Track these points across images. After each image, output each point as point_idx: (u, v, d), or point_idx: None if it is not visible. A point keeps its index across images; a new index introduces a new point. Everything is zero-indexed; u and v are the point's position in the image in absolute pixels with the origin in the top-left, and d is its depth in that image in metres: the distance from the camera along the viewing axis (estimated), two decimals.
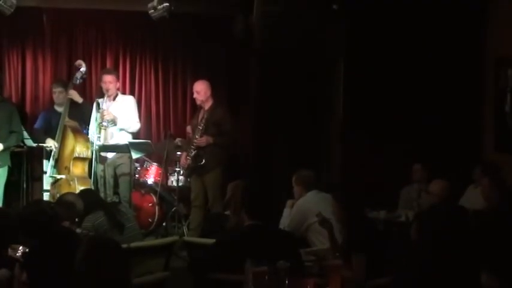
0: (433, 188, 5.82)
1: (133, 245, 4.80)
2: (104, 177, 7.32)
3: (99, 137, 7.20)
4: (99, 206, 5.51)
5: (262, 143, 8.26)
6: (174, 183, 7.71)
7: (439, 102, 7.64)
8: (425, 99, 7.62)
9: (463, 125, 7.68)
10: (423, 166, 7.00)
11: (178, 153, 7.59)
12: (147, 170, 8.00)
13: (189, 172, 7.38)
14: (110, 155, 7.36)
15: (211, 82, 7.51)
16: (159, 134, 8.81)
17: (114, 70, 8.10)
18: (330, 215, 4.97)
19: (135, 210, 7.48)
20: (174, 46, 8.86)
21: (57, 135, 7.43)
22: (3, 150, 7.03)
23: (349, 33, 7.63)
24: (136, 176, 7.90)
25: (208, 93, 7.37)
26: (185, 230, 7.46)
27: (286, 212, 5.80)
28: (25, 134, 7.28)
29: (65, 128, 7.41)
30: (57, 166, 7.41)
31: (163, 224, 7.73)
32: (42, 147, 7.51)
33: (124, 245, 4.42)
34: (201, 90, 7.35)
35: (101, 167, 7.29)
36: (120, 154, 7.30)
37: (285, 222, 5.68)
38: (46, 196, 7.26)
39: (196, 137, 7.21)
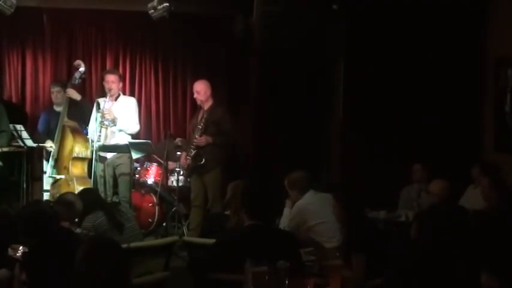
0: (433, 188, 5.82)
1: (133, 245, 4.80)
2: (104, 177, 7.31)
3: (100, 136, 7.19)
4: (99, 206, 5.51)
5: (262, 142, 8.26)
6: (174, 183, 7.71)
7: (439, 102, 7.64)
8: (425, 99, 7.62)
9: (463, 125, 7.68)
10: (423, 166, 7.00)
11: (178, 153, 7.59)
12: (147, 170, 8.00)
13: (189, 172, 7.38)
14: (110, 155, 7.35)
15: (211, 82, 7.51)
16: (159, 134, 8.81)
17: (117, 70, 8.09)
18: (329, 215, 4.97)
19: (135, 210, 7.48)
20: (174, 46, 8.87)
21: (56, 136, 7.43)
22: None
23: (349, 33, 7.62)
24: (136, 176, 7.90)
25: (209, 93, 7.37)
26: (185, 230, 7.46)
27: (286, 211, 5.78)
28: (25, 134, 7.26)
29: (63, 128, 7.41)
30: (57, 166, 7.41)
31: (163, 224, 7.73)
32: (43, 148, 7.51)
33: (124, 245, 4.42)
34: (201, 90, 7.35)
35: (100, 166, 7.28)
36: (119, 154, 7.30)
37: (284, 222, 5.67)
38: (46, 196, 7.27)
39: (196, 136, 7.21)
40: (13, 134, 7.24)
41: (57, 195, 6.41)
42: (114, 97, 7.45)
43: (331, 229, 5.23)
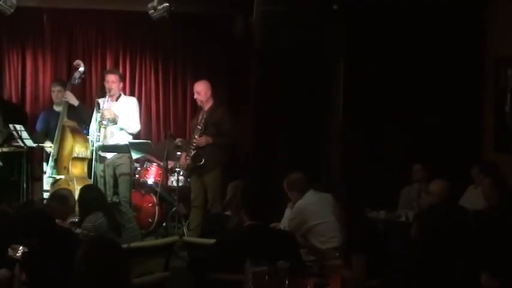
0: (433, 188, 5.82)
1: (133, 245, 4.81)
2: (104, 177, 7.31)
3: (99, 136, 7.18)
4: (99, 207, 5.51)
5: (262, 143, 8.27)
6: (174, 184, 7.70)
7: (439, 102, 7.64)
8: (425, 99, 7.62)
9: (463, 125, 7.68)
10: (423, 166, 7.00)
11: (178, 153, 7.59)
12: (147, 170, 7.99)
13: (189, 172, 7.38)
14: (110, 155, 7.35)
15: (211, 82, 7.51)
16: (159, 134, 8.81)
17: (118, 70, 8.08)
18: (329, 215, 4.96)
19: (135, 210, 7.48)
20: (174, 46, 8.86)
21: (55, 136, 7.42)
22: None
23: (349, 33, 7.62)
24: (136, 176, 7.90)
25: (209, 93, 7.37)
26: (185, 230, 7.46)
27: (288, 212, 5.78)
28: (25, 134, 7.26)
29: (63, 128, 7.40)
30: (57, 166, 7.41)
31: (163, 224, 7.72)
32: (42, 148, 7.51)
33: (124, 245, 4.43)
34: (201, 90, 7.35)
35: (100, 167, 7.28)
36: (119, 154, 7.30)
37: (285, 222, 5.67)
38: (46, 196, 7.25)
39: (196, 137, 7.21)
40: (13, 134, 7.23)
41: None
42: (115, 97, 7.45)
43: (331, 229, 5.23)
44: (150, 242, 6.51)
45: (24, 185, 7.40)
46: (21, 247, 4.02)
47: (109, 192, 7.29)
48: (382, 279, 3.72)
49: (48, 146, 7.46)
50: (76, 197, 5.88)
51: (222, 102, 7.94)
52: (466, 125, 7.71)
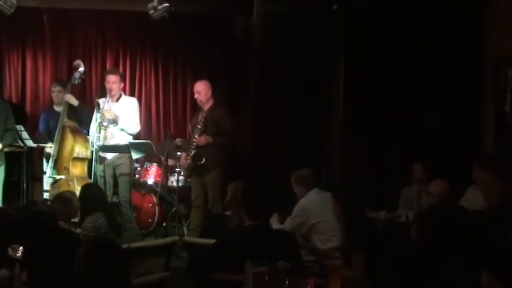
0: (433, 188, 5.82)
1: (133, 245, 4.80)
2: (104, 178, 7.30)
3: (99, 137, 7.18)
4: (100, 206, 5.51)
5: (262, 143, 8.27)
6: (174, 184, 7.70)
7: (439, 102, 7.64)
8: (425, 99, 7.61)
9: (463, 125, 7.68)
10: (423, 166, 6.99)
11: (179, 153, 7.59)
12: (147, 170, 8.00)
13: (189, 172, 7.37)
14: (110, 155, 7.35)
15: (211, 82, 7.51)
16: (159, 134, 8.81)
17: (118, 70, 8.08)
18: (330, 214, 4.97)
19: (135, 210, 7.49)
20: (174, 46, 8.87)
21: (55, 136, 7.42)
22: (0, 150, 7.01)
23: (349, 33, 7.62)
24: (137, 176, 7.90)
25: (209, 93, 7.37)
26: (185, 230, 7.46)
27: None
28: (25, 134, 7.26)
29: (63, 128, 7.41)
30: (57, 166, 7.41)
31: (164, 224, 7.72)
32: (43, 148, 7.51)
33: (124, 245, 4.43)
34: (201, 90, 7.35)
35: (100, 167, 7.28)
36: (119, 154, 7.29)
37: (286, 223, 5.68)
38: (46, 196, 7.26)
39: (196, 136, 7.21)
40: (15, 136, 7.24)
41: None
42: (116, 97, 7.45)
43: (331, 228, 5.24)
44: (150, 242, 6.51)
45: (24, 185, 7.40)
46: (21, 247, 4.02)
47: (109, 193, 7.28)
48: (383, 279, 3.72)
49: (49, 147, 7.46)
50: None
51: (222, 102, 7.95)
52: (466, 125, 7.71)
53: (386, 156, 7.50)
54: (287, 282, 3.47)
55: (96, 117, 7.28)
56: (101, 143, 7.18)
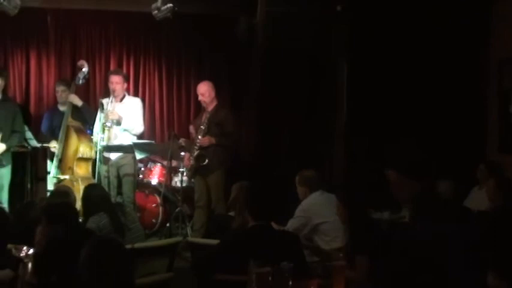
0: (442, 189, 5.80)
1: (137, 245, 4.81)
2: (108, 178, 7.31)
3: (103, 138, 7.19)
4: (104, 206, 5.51)
5: (266, 143, 8.26)
6: (178, 184, 7.71)
7: (442, 102, 7.63)
8: (429, 99, 7.61)
9: (467, 126, 7.67)
10: None
11: (182, 153, 7.59)
12: (151, 170, 8.00)
13: (193, 172, 7.38)
14: (113, 156, 7.35)
15: (215, 83, 7.51)
16: (163, 135, 8.81)
17: (122, 71, 8.08)
18: (333, 215, 4.96)
19: (139, 210, 7.49)
20: (178, 47, 8.87)
21: (60, 136, 7.43)
22: (6, 150, 7.02)
23: (353, 34, 7.62)
24: (140, 176, 7.91)
25: (213, 94, 7.37)
26: (189, 230, 7.46)
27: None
28: (29, 134, 7.27)
29: (68, 128, 7.41)
30: (61, 166, 7.41)
31: (167, 224, 7.72)
32: (46, 148, 7.52)
33: (128, 246, 4.43)
34: (205, 91, 7.35)
35: (104, 167, 7.28)
36: (123, 154, 7.30)
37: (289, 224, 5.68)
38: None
39: (199, 137, 7.22)
40: (21, 138, 7.26)
41: None
42: (119, 98, 7.45)
43: (335, 229, 5.23)
44: (154, 242, 6.51)
45: (29, 185, 7.41)
46: (25, 247, 4.02)
47: (113, 193, 7.29)
48: (386, 280, 3.71)
49: (53, 146, 7.47)
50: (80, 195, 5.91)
51: (225, 103, 7.94)
52: (470, 126, 7.70)
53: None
54: (291, 282, 3.47)
55: (100, 117, 7.29)
56: (104, 143, 7.19)
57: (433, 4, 7.44)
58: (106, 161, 7.31)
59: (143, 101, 8.14)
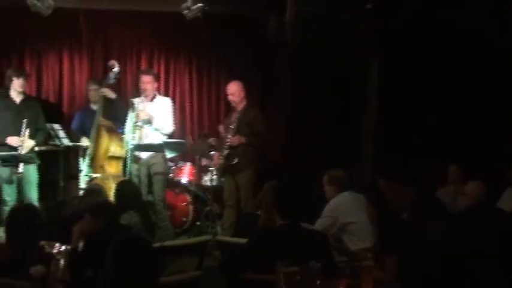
0: (468, 190, 5.75)
1: (167, 243, 4.85)
2: (139, 177, 7.36)
3: (134, 137, 7.25)
4: (135, 203, 5.56)
5: (295, 143, 8.26)
6: (208, 183, 7.74)
7: (474, 102, 7.54)
8: (460, 99, 7.53)
9: (498, 126, 7.58)
10: (459, 167, 6.91)
11: (212, 152, 7.63)
12: (181, 169, 8.05)
13: (222, 172, 7.40)
14: (144, 155, 7.41)
15: (244, 82, 7.52)
16: (193, 134, 8.86)
17: (153, 70, 8.13)
18: (362, 215, 4.94)
19: (169, 209, 7.54)
20: (208, 46, 8.91)
21: (91, 135, 7.51)
22: (31, 148, 7.08)
23: (383, 33, 7.57)
24: (171, 175, 7.96)
25: (242, 94, 7.38)
26: (219, 229, 7.49)
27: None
28: (62, 133, 7.36)
29: (99, 127, 7.49)
30: (93, 165, 7.49)
31: (197, 223, 7.76)
32: (78, 146, 7.60)
33: (157, 244, 4.47)
34: (235, 91, 7.36)
35: (135, 166, 7.34)
36: (154, 153, 7.35)
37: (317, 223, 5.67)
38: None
39: (229, 136, 7.24)
40: (50, 133, 7.34)
41: None
42: (150, 97, 7.49)
43: (363, 229, 5.21)
44: (184, 240, 6.54)
45: (61, 183, 7.50)
46: (57, 244, 4.07)
47: (143, 192, 7.33)
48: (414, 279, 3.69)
49: (85, 145, 7.55)
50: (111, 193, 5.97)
51: (254, 103, 7.95)
52: (501, 126, 7.60)
53: (420, 157, 7.43)
54: (319, 282, 3.46)
55: (131, 117, 7.35)
56: (135, 143, 7.24)
57: (463, 4, 7.35)
58: (137, 159, 7.37)
59: (173, 100, 8.18)
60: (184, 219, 7.86)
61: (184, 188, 8.03)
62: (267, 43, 8.30)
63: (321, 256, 3.73)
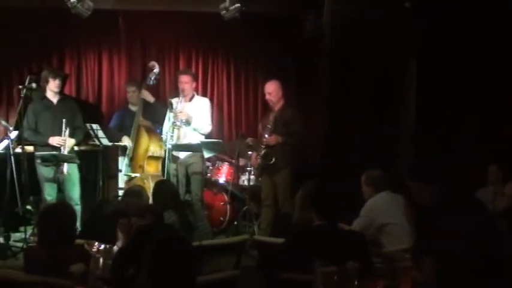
0: (508, 190, 5.67)
1: (204, 243, 4.87)
2: (177, 176, 7.41)
3: (172, 136, 7.30)
4: (173, 202, 5.60)
5: (334, 142, 8.23)
6: (246, 182, 7.76)
7: None
8: (500, 99, 7.41)
9: None
10: (499, 167, 6.81)
11: (250, 152, 7.65)
12: (219, 169, 8.09)
13: (260, 171, 7.41)
14: (182, 154, 7.46)
15: (282, 82, 7.51)
16: (230, 134, 8.89)
17: (191, 70, 8.18)
18: (400, 216, 4.91)
19: (207, 208, 7.58)
20: (246, 46, 8.94)
21: (131, 135, 7.59)
22: (72, 148, 7.16)
23: (422, 31, 7.49)
24: (208, 175, 8.00)
25: (280, 93, 7.38)
26: (256, 229, 7.50)
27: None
28: (101, 133, 7.44)
29: (139, 127, 7.56)
30: (132, 164, 7.57)
31: (235, 222, 7.78)
32: (118, 146, 7.69)
33: (195, 243, 4.50)
34: (273, 91, 7.36)
35: (173, 166, 7.39)
36: (192, 153, 7.40)
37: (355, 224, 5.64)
38: (121, 194, 7.43)
39: (266, 136, 7.25)
40: (89, 133, 7.43)
41: None
42: (188, 97, 7.53)
43: (401, 230, 5.17)
44: (221, 240, 6.57)
45: (100, 183, 7.59)
46: (96, 243, 4.13)
47: (181, 191, 7.38)
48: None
49: (123, 144, 7.63)
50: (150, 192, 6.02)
51: (292, 102, 7.95)
52: None
53: (460, 157, 7.34)
54: (356, 283, 3.45)
55: (169, 116, 7.41)
56: (174, 142, 7.30)
57: (503, 2, 7.23)
58: (175, 159, 7.43)
59: (211, 100, 8.22)
60: (221, 218, 7.89)
61: (222, 188, 8.07)
62: (304, 43, 8.29)
63: (358, 256, 3.72)
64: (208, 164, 7.96)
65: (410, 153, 7.81)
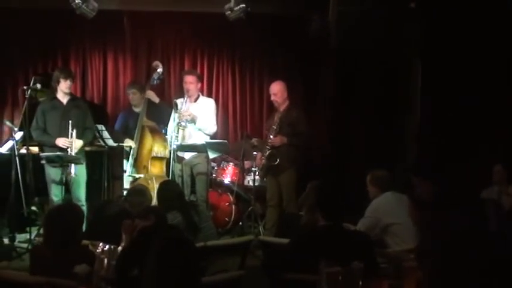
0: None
1: (209, 243, 4.86)
2: (182, 177, 7.41)
3: (177, 137, 7.31)
4: (178, 203, 5.60)
5: (338, 143, 8.22)
6: (251, 183, 7.76)
7: None
8: (505, 98, 7.39)
9: None
10: (504, 167, 6.80)
11: (255, 153, 7.64)
12: (224, 169, 8.08)
13: (265, 172, 7.41)
14: (187, 155, 7.46)
15: (287, 82, 7.51)
16: (235, 134, 8.89)
17: (196, 71, 8.18)
18: (405, 216, 4.90)
19: (212, 209, 7.58)
20: (251, 47, 8.94)
21: (135, 135, 7.59)
22: (80, 149, 7.16)
23: (427, 32, 7.49)
24: (213, 175, 8.00)
25: (285, 94, 7.37)
26: (261, 229, 7.50)
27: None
28: (106, 133, 7.45)
29: (143, 128, 7.57)
30: (136, 165, 7.57)
31: (240, 223, 7.78)
32: (123, 147, 7.68)
33: (200, 244, 4.50)
34: (278, 91, 7.36)
35: (178, 166, 7.39)
36: (197, 154, 7.40)
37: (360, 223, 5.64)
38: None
39: (271, 136, 7.24)
40: (94, 134, 7.43)
41: None
42: (193, 98, 7.53)
43: (406, 230, 5.16)
44: (226, 240, 6.57)
45: (105, 184, 7.59)
46: (101, 243, 4.13)
47: (186, 192, 7.39)
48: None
49: (127, 146, 7.63)
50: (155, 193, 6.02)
51: (297, 103, 7.94)
52: None
53: (465, 157, 7.33)
54: (361, 283, 3.45)
55: (174, 117, 7.41)
56: (178, 143, 7.30)
57: (508, 2, 7.22)
58: (180, 160, 7.43)
59: (216, 101, 8.22)
60: (226, 219, 7.89)
61: (227, 188, 8.07)
62: (309, 43, 8.29)
63: (363, 257, 3.72)
64: (213, 164, 7.95)
65: (415, 153, 7.81)
